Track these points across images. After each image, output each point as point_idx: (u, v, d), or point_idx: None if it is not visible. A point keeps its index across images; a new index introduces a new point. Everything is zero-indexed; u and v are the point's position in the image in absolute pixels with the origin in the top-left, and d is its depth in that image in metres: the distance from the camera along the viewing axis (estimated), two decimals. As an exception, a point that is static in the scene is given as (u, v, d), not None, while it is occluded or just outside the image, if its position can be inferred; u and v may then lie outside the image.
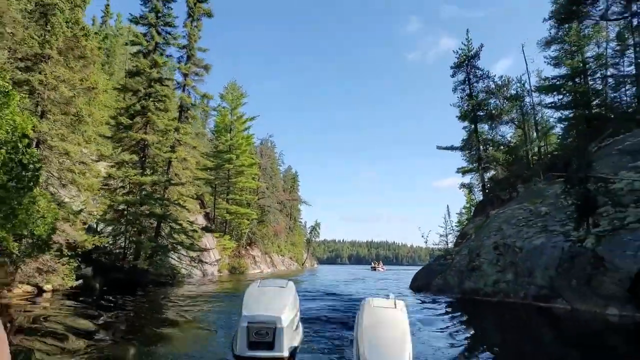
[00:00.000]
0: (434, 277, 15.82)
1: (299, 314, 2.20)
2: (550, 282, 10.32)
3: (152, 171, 17.25)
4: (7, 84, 10.42)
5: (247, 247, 39.42)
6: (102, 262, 15.47)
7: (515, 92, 24.16)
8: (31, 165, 10.55)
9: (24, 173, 10.39)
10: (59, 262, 12.26)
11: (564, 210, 12.72)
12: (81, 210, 12.04)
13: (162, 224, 16.68)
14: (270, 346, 1.87)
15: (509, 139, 28.40)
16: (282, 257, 53.12)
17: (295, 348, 1.99)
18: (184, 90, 17.90)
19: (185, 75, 17.78)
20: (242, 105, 39.53)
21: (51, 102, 11.91)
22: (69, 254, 11.93)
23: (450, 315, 9.97)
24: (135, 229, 15.77)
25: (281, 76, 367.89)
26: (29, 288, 11.97)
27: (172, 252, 17.14)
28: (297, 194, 68.32)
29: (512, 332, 8.29)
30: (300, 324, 2.24)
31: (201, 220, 27.99)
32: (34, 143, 12.11)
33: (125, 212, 15.36)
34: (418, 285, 16.74)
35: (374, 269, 58.56)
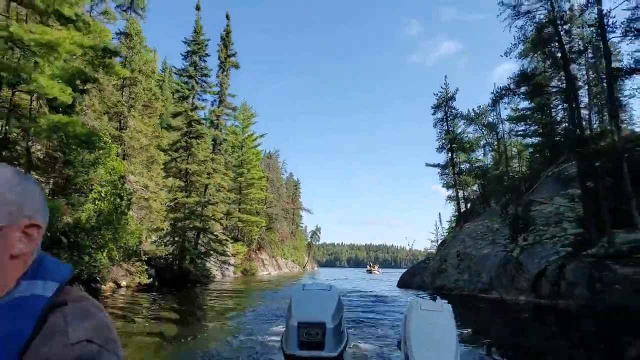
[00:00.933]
0: (415, 277, 20.23)
1: (344, 315, 2.23)
2: (490, 281, 14.72)
3: (188, 193, 21.63)
4: (108, 140, 14.89)
5: (257, 251, 43.71)
6: (155, 265, 19.86)
7: (491, 119, 28.89)
8: (125, 197, 14.96)
9: (120, 202, 14.79)
10: (134, 265, 16.66)
11: (508, 227, 17.13)
12: (157, 228, 16.43)
13: (201, 235, 21.06)
14: (320, 346, 1.94)
15: (489, 160, 33.07)
16: (285, 261, 57.45)
17: (344, 348, 2.06)
18: (216, 128, 22.34)
19: (217, 117, 22.23)
20: (252, 125, 44.06)
21: (132, 148, 16.32)
22: (144, 259, 16.32)
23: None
24: (181, 239, 20.15)
25: (282, 79, 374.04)
26: (112, 284, 16.37)
27: (208, 257, 21.54)
28: (299, 201, 72.88)
29: (466, 312, 12.74)
30: (345, 325, 2.28)
31: (220, 230, 32.40)
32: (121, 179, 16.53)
33: (175, 226, 19.73)
34: (402, 284, 21.21)
35: (369, 271, 61.34)
